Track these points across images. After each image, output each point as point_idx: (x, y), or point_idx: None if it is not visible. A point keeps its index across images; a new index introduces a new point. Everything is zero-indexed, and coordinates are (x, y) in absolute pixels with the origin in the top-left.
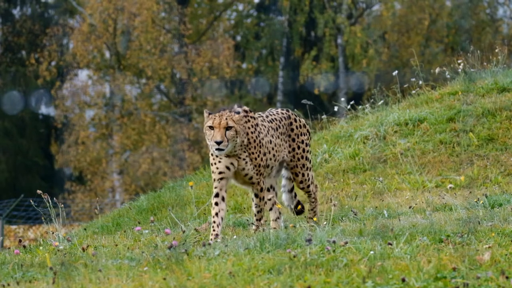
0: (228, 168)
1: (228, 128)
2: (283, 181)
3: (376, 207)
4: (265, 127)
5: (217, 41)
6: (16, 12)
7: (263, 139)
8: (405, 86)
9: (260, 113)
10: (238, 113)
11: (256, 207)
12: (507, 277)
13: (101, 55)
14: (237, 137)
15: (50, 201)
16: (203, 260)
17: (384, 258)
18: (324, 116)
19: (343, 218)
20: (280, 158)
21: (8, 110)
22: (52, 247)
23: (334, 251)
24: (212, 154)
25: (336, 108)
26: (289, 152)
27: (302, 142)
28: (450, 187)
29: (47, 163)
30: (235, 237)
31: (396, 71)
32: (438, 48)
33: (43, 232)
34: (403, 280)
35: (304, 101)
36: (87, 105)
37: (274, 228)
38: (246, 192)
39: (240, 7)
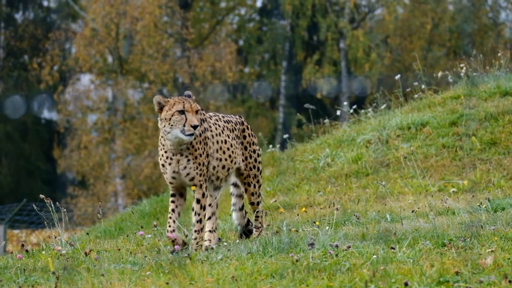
0: (174, 178)
1: (197, 111)
2: (233, 199)
3: (379, 211)
4: (219, 126)
5: (219, 45)
6: (18, 16)
7: (211, 138)
8: (407, 90)
9: (215, 112)
10: (189, 96)
11: (195, 215)
12: (510, 281)
13: (104, 59)
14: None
15: (52, 205)
16: (205, 264)
17: (386, 262)
18: (326, 120)
19: (346, 222)
20: (236, 161)
21: (11, 114)
22: (54, 252)
23: (336, 255)
24: (162, 157)
25: (338, 112)
26: (243, 161)
27: (254, 151)
28: (453, 191)
29: (49, 167)
30: (237, 241)
31: (399, 75)
32: (441, 52)
33: (46, 236)
34: (406, 284)
35: (306, 105)
36: (89, 109)
37: (209, 239)
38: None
39: (243, 11)
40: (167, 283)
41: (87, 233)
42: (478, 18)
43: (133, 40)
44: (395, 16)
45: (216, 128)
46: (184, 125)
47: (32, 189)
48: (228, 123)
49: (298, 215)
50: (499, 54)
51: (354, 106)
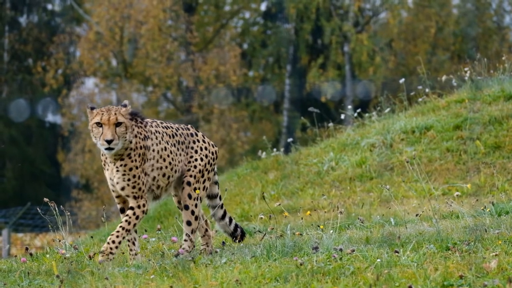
0: (113, 184)
1: (117, 124)
2: (211, 211)
3: (383, 215)
4: (159, 133)
5: (223, 49)
6: (22, 20)
7: (150, 147)
8: (411, 94)
9: (155, 119)
10: (125, 106)
11: (125, 222)
12: None
13: (108, 63)
14: (126, 133)
15: (56, 209)
16: (209, 268)
17: (390, 266)
18: (330, 124)
19: (350, 226)
20: (178, 169)
21: (15, 118)
22: (58, 255)
23: (340, 259)
24: (104, 164)
25: (342, 116)
26: (185, 165)
27: (199, 159)
28: (457, 195)
29: (53, 171)
30: (241, 245)
31: (403, 79)
32: (445, 56)
33: (50, 240)
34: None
35: (310, 108)
36: None
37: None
38: (252, 200)
39: (247, 15)
40: (171, 287)
41: (91, 237)
42: (483, 22)
43: (137, 44)
44: (399, 19)
45: (156, 137)
46: (100, 139)
47: (37, 193)
48: (167, 129)
49: (302, 218)
50: (503, 58)
51: (358, 110)
